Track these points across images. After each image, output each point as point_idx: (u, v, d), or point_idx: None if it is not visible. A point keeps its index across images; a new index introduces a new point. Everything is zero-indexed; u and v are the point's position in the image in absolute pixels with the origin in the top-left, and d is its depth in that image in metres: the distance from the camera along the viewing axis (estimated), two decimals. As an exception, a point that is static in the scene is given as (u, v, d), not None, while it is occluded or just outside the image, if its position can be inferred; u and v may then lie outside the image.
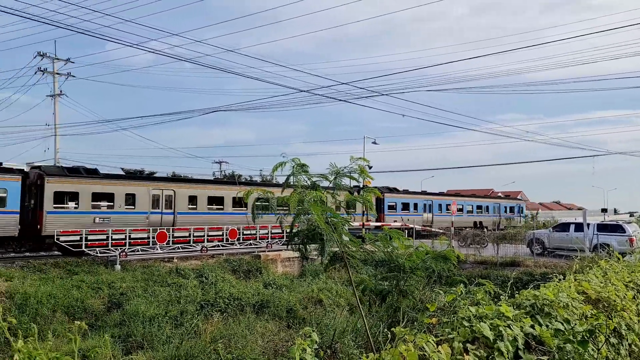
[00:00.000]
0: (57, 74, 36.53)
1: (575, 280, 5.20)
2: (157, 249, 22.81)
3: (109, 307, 16.94)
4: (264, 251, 25.49)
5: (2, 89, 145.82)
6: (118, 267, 20.21)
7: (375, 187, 36.36)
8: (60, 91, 36.76)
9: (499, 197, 53.77)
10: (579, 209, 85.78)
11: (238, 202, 28.24)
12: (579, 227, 24.21)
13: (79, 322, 2.67)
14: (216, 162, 61.47)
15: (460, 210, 43.69)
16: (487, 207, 47.82)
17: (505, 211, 49.87)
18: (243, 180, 43.82)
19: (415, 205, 40.17)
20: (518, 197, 58.70)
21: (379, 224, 33.31)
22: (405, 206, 39.16)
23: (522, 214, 53.53)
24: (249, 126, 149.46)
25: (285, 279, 22.61)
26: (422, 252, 6.34)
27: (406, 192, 40.76)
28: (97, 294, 17.38)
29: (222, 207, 27.74)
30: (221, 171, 60.91)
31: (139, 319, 15.30)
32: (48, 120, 37.26)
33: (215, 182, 33.02)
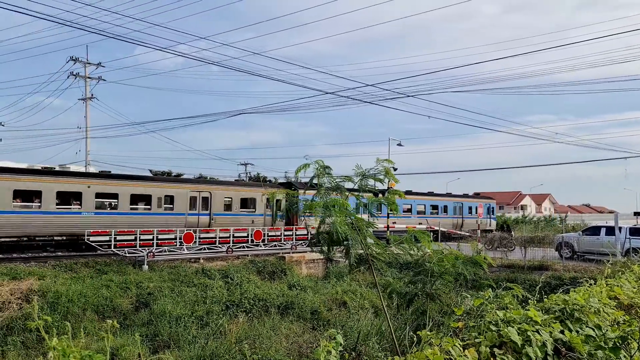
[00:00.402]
0: (89, 77, 37.43)
1: (606, 285, 5.09)
2: (183, 250, 23.12)
3: (137, 306, 17.24)
4: (289, 253, 25.60)
5: (37, 93, 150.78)
6: (146, 267, 20.56)
7: (293, 181, 30.96)
8: (92, 95, 37.66)
9: (464, 196, 44.97)
10: (610, 212, 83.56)
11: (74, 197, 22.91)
12: (610, 230, 23.62)
13: (110, 321, 2.74)
14: (241, 164, 62.19)
15: (409, 210, 37.71)
16: (445, 207, 41.11)
17: (470, 212, 43.36)
18: (268, 182, 43.93)
19: None
20: (489, 198, 47.76)
21: (289, 229, 27.20)
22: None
23: (492, 216, 45.87)
24: (275, 128, 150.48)
25: (309, 280, 22.65)
26: (452, 256, 6.29)
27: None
28: (125, 293, 17.71)
29: (39, 203, 21.82)
30: (246, 173, 61.54)
31: (165, 319, 15.54)
32: (80, 123, 38.23)
33: (27, 171, 23.26)
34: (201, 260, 22.58)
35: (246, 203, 28.90)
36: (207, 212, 26.96)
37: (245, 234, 25.41)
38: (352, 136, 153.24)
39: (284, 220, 28.83)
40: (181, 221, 25.69)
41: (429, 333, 3.35)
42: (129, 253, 21.34)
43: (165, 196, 25.64)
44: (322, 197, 7.80)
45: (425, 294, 6.43)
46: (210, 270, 20.87)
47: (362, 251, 7.33)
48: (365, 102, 32.37)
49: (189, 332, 14.97)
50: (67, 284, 16.92)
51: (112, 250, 21.21)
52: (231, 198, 28.08)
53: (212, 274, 20.58)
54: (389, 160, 8.16)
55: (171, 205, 25.90)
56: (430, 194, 41.75)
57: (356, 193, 8.10)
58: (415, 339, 3.49)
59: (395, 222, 33.80)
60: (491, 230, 40.00)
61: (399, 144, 38.01)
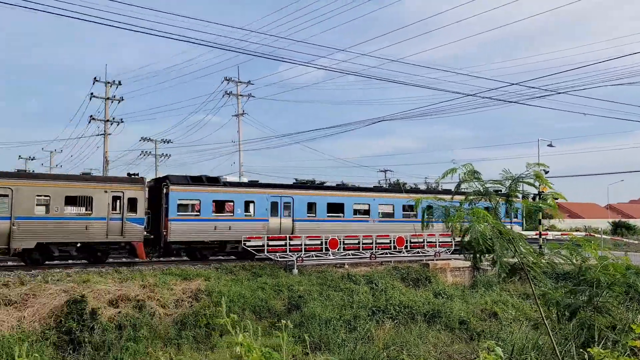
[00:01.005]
0: (240, 95, 40.91)
1: None
2: (329, 255, 23.94)
3: (289, 308, 18.27)
4: (433, 260, 25.11)
5: (198, 112, 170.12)
6: (295, 271, 21.70)
7: (169, 175, 25.55)
8: (243, 111, 41.08)
9: (443, 192, 28.61)
10: None
11: None
12: None
13: (284, 321, 3.02)
14: (381, 171, 62.64)
15: (340, 210, 27.32)
16: (410, 207, 28.28)
17: None
18: (409, 188, 43.60)
19: (247, 205, 24.87)
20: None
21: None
22: (223, 205, 24.70)
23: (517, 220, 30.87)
24: (412, 134, 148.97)
25: (455, 289, 22.01)
26: (622, 265, 5.73)
27: (226, 183, 25.24)
28: (278, 295, 18.87)
29: None
30: (386, 180, 61.79)
31: (315, 321, 16.25)
32: (234, 137, 41.89)
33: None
34: (346, 266, 23.19)
35: (75, 202, 21.22)
36: (7, 215, 19.60)
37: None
38: (492, 139, 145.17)
39: (145, 224, 22.53)
40: None
41: (602, 351, 3.12)
42: (280, 258, 22.72)
43: None
44: (470, 203, 7.61)
45: (592, 307, 5.92)
46: (355, 276, 21.34)
47: (514, 260, 7.00)
48: (510, 102, 30.53)
49: (338, 335, 15.46)
50: (228, 285, 18.55)
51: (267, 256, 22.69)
52: (49, 196, 20.60)
53: (357, 279, 21.01)
54: (541, 164, 7.71)
55: None
56: (381, 189, 33.25)
57: (506, 198, 7.76)
58: (586, 356, 3.27)
59: (548, 229, 31.13)
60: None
61: (550, 145, 35.30)
